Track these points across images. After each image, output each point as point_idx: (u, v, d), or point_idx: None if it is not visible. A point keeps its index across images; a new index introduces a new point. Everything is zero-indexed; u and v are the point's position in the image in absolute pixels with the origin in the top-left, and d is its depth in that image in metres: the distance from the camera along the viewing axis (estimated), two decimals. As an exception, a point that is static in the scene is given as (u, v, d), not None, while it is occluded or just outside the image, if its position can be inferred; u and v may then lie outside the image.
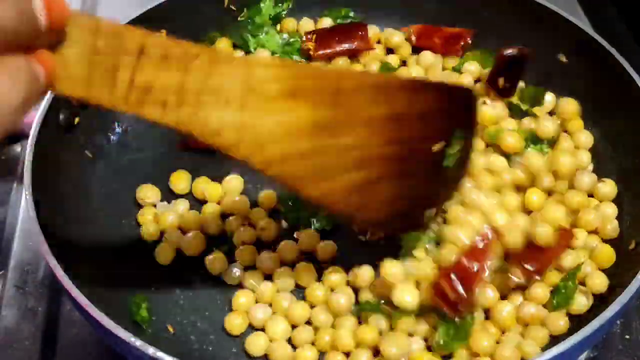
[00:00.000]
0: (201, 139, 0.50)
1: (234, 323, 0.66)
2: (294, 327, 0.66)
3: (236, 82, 0.49)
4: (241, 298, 0.67)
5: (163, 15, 0.80)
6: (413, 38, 0.86)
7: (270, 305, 0.67)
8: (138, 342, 0.55)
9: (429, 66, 0.84)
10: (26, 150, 0.67)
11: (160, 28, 0.80)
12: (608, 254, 0.68)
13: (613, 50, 0.75)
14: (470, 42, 0.85)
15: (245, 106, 0.50)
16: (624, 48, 0.77)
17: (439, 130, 0.60)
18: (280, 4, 0.86)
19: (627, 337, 0.71)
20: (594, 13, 1.03)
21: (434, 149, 0.60)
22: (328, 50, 0.83)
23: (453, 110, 0.61)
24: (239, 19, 0.85)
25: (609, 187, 0.72)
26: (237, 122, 0.50)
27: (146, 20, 0.79)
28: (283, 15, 0.87)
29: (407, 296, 0.62)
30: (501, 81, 0.79)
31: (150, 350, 0.55)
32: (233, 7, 0.86)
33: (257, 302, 0.68)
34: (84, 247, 0.69)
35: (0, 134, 0.38)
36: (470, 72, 0.83)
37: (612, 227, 0.70)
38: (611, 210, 0.71)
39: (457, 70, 0.84)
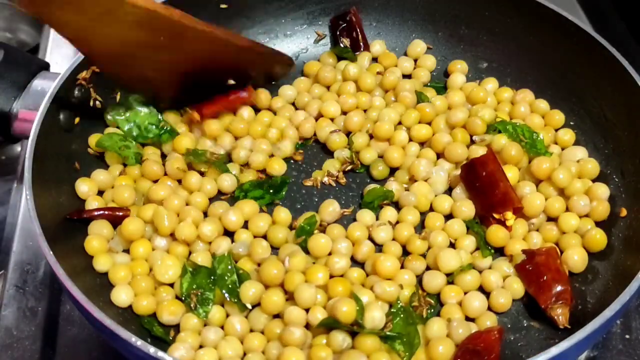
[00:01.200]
0: None
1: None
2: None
3: None
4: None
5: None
6: None
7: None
8: (139, 342, 0.55)
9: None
10: (26, 150, 0.67)
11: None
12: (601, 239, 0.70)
13: (613, 50, 0.76)
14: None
15: None
16: (624, 48, 0.77)
17: None
18: None
19: (627, 337, 0.71)
20: (594, 13, 1.03)
21: None
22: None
23: None
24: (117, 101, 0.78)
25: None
26: None
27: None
28: None
29: (376, 312, 0.62)
30: (346, 41, 0.88)
31: (151, 350, 0.55)
32: (224, 6, 0.86)
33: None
34: (84, 247, 0.69)
35: None
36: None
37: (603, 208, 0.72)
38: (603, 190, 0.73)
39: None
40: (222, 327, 0.65)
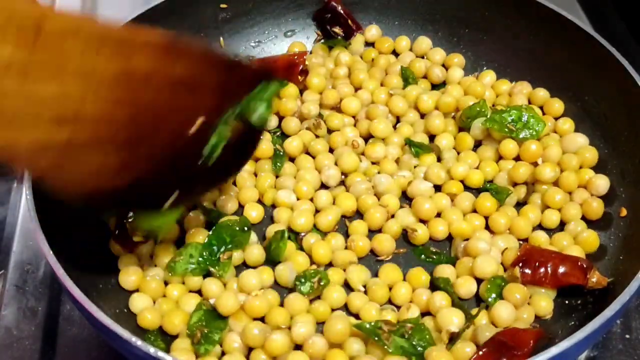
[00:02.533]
0: None
1: None
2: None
3: None
4: None
5: (162, 15, 0.80)
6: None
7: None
8: (139, 342, 0.55)
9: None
10: (26, 150, 0.67)
11: (159, 27, 0.81)
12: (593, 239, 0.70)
13: (613, 50, 0.76)
14: (306, 66, 0.84)
15: None
16: (624, 48, 0.77)
17: (200, 106, 0.50)
18: None
19: (627, 337, 0.71)
20: (594, 13, 1.03)
21: (191, 131, 0.50)
22: None
23: (229, 89, 0.51)
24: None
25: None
26: None
27: (146, 20, 0.79)
28: None
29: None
30: (338, 30, 0.88)
31: (151, 350, 0.55)
32: (224, 5, 0.86)
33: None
34: (84, 247, 0.69)
35: None
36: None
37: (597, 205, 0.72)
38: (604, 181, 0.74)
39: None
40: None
